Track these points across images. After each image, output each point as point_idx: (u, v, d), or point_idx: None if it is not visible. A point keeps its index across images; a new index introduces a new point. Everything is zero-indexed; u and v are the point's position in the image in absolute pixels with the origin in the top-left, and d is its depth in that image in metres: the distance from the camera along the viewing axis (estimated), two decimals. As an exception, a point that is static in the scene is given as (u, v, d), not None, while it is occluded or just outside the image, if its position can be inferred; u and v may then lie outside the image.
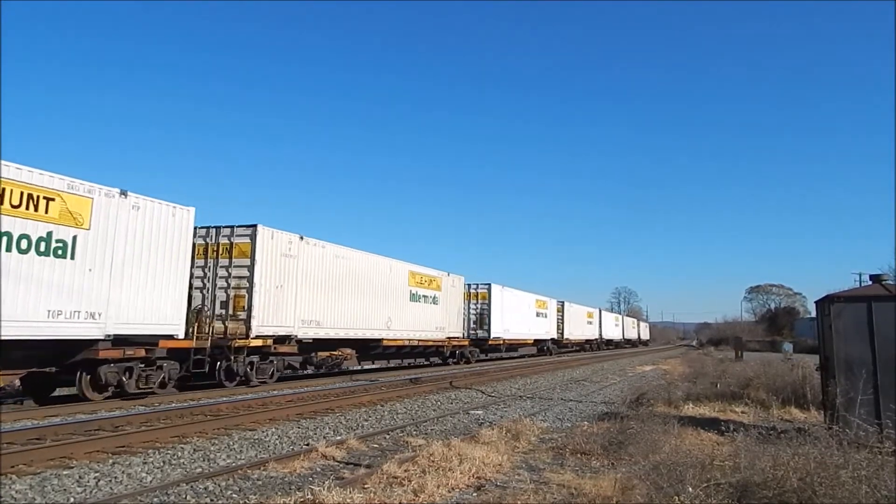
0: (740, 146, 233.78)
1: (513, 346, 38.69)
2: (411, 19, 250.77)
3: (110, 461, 7.58)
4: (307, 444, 9.05)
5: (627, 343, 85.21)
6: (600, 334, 59.16)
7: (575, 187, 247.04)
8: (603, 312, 60.13)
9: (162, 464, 7.63)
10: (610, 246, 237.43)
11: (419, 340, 25.95)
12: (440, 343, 28.16)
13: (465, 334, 32.34)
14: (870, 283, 9.84)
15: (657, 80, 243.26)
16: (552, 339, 46.27)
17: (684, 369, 30.97)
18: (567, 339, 50.23)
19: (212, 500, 6.21)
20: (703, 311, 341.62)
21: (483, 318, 34.05)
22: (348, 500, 5.71)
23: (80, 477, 6.80)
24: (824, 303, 9.72)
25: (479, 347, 33.99)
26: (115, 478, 6.88)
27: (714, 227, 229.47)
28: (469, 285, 33.69)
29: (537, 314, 42.56)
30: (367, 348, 22.89)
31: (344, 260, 20.74)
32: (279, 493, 6.24)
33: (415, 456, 7.70)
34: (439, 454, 7.65)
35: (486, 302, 34.12)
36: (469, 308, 33.71)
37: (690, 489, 5.10)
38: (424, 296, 26.29)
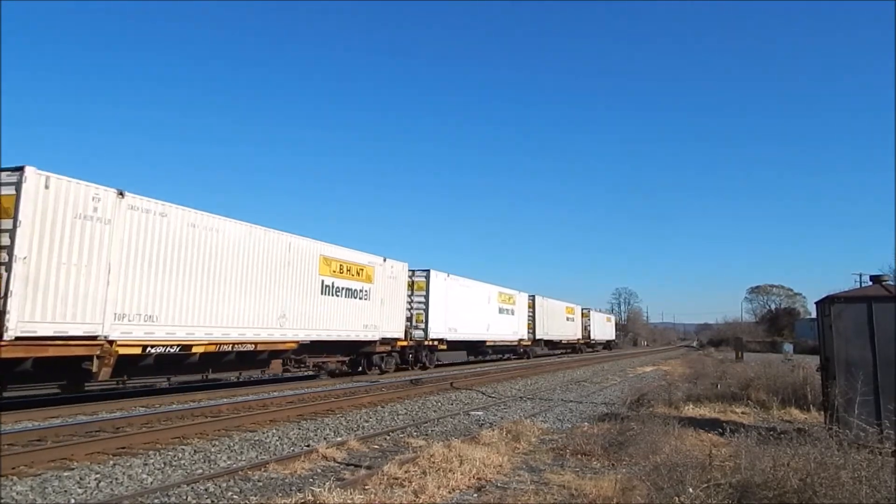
0: (740, 148, 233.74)
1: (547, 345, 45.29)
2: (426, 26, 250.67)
3: (111, 462, 7.59)
4: (308, 446, 9.06)
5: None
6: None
7: (575, 189, 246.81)
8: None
9: (163, 465, 7.64)
10: (610, 247, 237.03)
11: (503, 342, 35.47)
12: (514, 342, 37.52)
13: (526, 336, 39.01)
14: (870, 283, 9.85)
15: (656, 86, 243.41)
16: (577, 340, 52.25)
17: (685, 370, 31.01)
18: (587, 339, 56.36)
19: (213, 502, 6.22)
20: (704, 311, 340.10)
21: (528, 323, 39.56)
22: (349, 501, 5.72)
23: (80, 478, 6.82)
24: (825, 303, 9.73)
25: None
26: (116, 479, 6.89)
27: (715, 227, 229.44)
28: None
29: (566, 318, 48.67)
30: (476, 347, 32.15)
31: (465, 287, 29.68)
32: (280, 495, 6.25)
33: (415, 457, 7.71)
34: (440, 455, 7.66)
35: (531, 309, 39.78)
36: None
37: (691, 490, 5.11)
38: (506, 309, 35.10)
